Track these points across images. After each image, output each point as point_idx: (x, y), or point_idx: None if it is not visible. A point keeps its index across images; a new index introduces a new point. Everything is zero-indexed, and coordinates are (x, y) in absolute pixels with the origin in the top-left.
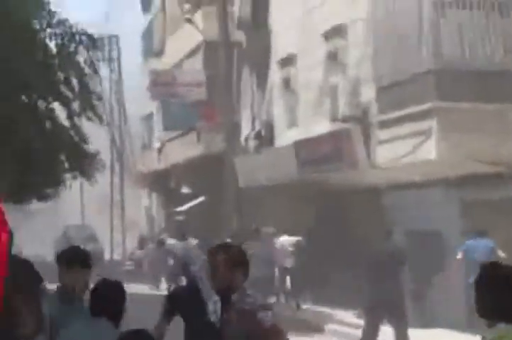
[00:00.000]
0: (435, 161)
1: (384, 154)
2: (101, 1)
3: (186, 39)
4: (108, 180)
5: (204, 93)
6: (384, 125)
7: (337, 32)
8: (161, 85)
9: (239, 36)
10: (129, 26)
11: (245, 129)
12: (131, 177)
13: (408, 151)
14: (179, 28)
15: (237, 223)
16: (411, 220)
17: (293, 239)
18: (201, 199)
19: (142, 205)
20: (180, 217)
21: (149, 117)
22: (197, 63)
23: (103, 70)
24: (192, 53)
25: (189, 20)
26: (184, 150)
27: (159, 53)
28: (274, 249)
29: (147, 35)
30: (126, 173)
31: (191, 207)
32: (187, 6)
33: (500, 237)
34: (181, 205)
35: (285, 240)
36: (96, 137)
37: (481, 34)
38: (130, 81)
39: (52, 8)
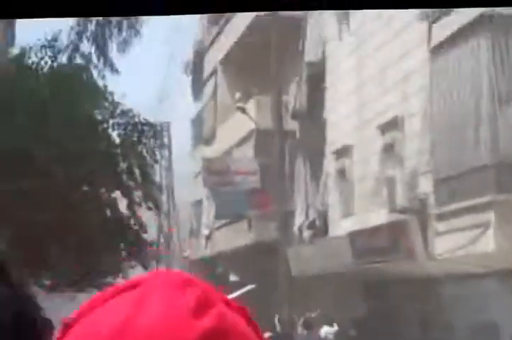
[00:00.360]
0: (493, 252)
1: (441, 246)
2: (154, 88)
3: (237, 127)
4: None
5: (258, 181)
6: (442, 217)
7: (393, 124)
8: (215, 173)
9: (293, 125)
10: (180, 113)
11: (299, 219)
12: (177, 263)
13: (466, 242)
14: (229, 116)
15: (288, 311)
16: (468, 311)
17: (334, 329)
18: (249, 287)
19: None
20: None
21: (198, 203)
22: (248, 151)
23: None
24: (243, 141)
25: (242, 109)
26: (234, 238)
27: (209, 140)
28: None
29: (198, 122)
30: (173, 260)
31: (239, 295)
32: (238, 95)
33: None
34: (230, 292)
35: (327, 330)
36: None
37: None
38: (179, 167)
39: (116, 98)
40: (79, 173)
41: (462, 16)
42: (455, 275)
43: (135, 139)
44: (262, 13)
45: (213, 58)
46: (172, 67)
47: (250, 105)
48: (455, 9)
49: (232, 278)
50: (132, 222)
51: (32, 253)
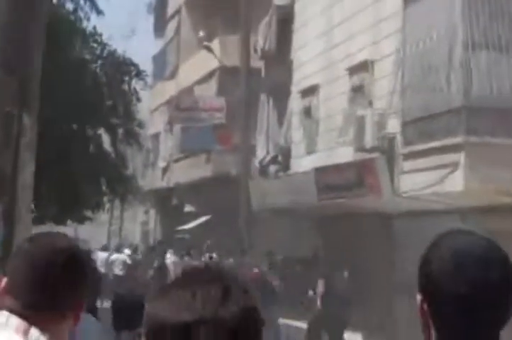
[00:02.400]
0: (461, 192)
1: (407, 184)
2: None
3: (200, 65)
4: None
5: (223, 117)
6: (410, 156)
7: (363, 66)
8: (182, 110)
9: (259, 64)
10: (144, 50)
11: (261, 154)
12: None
13: (433, 182)
14: (192, 54)
15: (247, 244)
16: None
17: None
18: (204, 218)
19: (138, 221)
20: (185, 236)
21: (154, 137)
22: (210, 89)
23: None
24: (206, 79)
25: (207, 47)
26: (192, 170)
27: (171, 77)
28: None
29: (160, 59)
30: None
31: (195, 225)
32: (202, 33)
33: None
34: (184, 223)
35: None
36: None
37: (509, 74)
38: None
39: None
40: (67, 110)
41: None
42: (418, 211)
43: (119, 78)
44: None
45: None
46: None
47: (215, 44)
48: None
49: (187, 208)
50: (113, 157)
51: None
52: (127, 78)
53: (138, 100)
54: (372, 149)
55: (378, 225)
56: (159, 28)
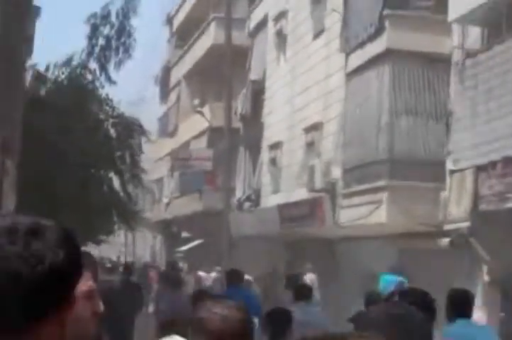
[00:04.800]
0: (384, 223)
1: (345, 217)
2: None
3: (194, 125)
4: None
5: (211, 165)
6: (347, 195)
7: (315, 127)
8: (180, 159)
9: (238, 125)
10: (149, 112)
11: (238, 193)
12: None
13: (364, 215)
14: (188, 117)
15: (226, 262)
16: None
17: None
18: (198, 242)
19: (148, 244)
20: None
21: (159, 180)
22: (202, 143)
23: None
24: (199, 136)
25: (200, 112)
26: (188, 206)
27: (172, 134)
28: None
29: (164, 120)
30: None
31: (190, 247)
32: (196, 101)
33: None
34: (182, 246)
35: None
36: None
37: (422, 134)
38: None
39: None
40: (86, 158)
41: (370, 50)
42: (353, 237)
43: (126, 134)
44: (218, 41)
45: (178, 73)
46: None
47: (206, 109)
48: (366, 45)
49: (184, 234)
50: (122, 195)
51: (48, 215)
52: (133, 134)
53: (141, 151)
54: (320, 190)
55: (324, 247)
56: (164, 96)
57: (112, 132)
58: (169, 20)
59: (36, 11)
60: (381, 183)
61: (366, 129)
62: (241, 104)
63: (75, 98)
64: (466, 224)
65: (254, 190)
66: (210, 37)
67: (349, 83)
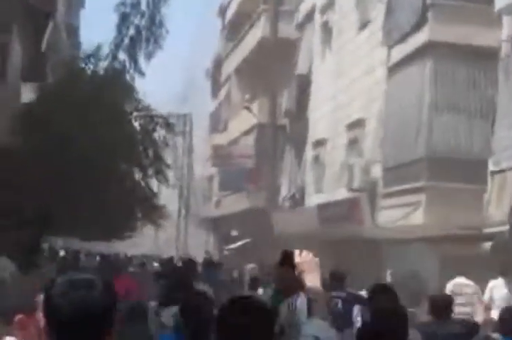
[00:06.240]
0: (421, 225)
1: (383, 218)
2: (180, 85)
3: (243, 121)
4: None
5: (253, 163)
6: (386, 196)
7: (358, 124)
8: (220, 156)
9: (284, 121)
10: (201, 107)
11: (284, 192)
12: (194, 221)
13: (401, 217)
14: (238, 113)
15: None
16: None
17: None
18: (246, 240)
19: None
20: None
21: (211, 177)
22: (250, 140)
23: (179, 141)
24: (247, 132)
25: (248, 108)
26: (235, 204)
27: (222, 131)
28: None
29: (215, 116)
30: (190, 219)
31: (238, 246)
32: (247, 96)
33: None
34: (231, 244)
35: None
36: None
37: (464, 132)
38: (199, 149)
39: (140, 96)
40: (107, 152)
41: (412, 43)
42: (392, 239)
43: (150, 128)
44: (267, 35)
45: (229, 67)
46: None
47: (255, 105)
48: (408, 38)
49: (233, 233)
50: (146, 191)
51: (74, 212)
52: (156, 127)
53: (166, 145)
54: (359, 189)
55: (364, 249)
56: (215, 90)
57: (136, 125)
58: (222, 12)
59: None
60: (419, 183)
61: (407, 127)
62: (286, 100)
63: (99, 89)
64: (506, 227)
65: (299, 188)
66: (259, 30)
67: (390, 77)
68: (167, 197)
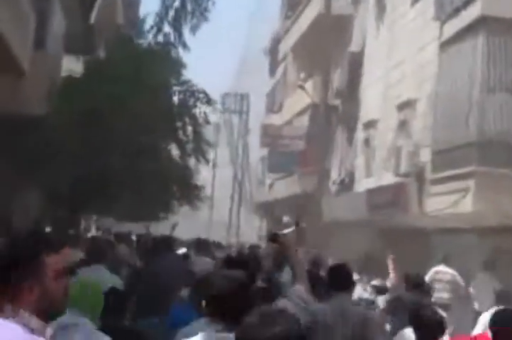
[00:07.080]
0: (470, 213)
1: (431, 205)
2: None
3: (298, 101)
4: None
5: (303, 144)
6: (435, 181)
7: (408, 104)
8: (269, 136)
9: (337, 102)
10: (259, 87)
11: (334, 175)
12: (247, 205)
13: (449, 204)
14: (294, 92)
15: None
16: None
17: None
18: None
19: (255, 226)
20: None
21: (263, 159)
22: (304, 120)
23: (235, 120)
24: (301, 112)
25: (301, 86)
26: (288, 188)
27: (278, 111)
28: None
29: (271, 96)
30: (243, 202)
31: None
32: (302, 75)
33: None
34: (282, 230)
35: None
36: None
37: None
38: (255, 129)
39: (182, 70)
40: (142, 127)
41: (465, 17)
42: (440, 229)
43: (190, 103)
44: (323, 12)
45: (286, 45)
46: (251, 49)
47: (309, 84)
48: (461, 12)
49: (285, 219)
50: (183, 169)
51: (104, 190)
52: (197, 103)
53: (207, 122)
54: (406, 174)
55: (413, 237)
56: (273, 69)
57: (175, 99)
58: None
59: None
60: (468, 168)
61: (458, 108)
62: (338, 78)
63: (138, 62)
64: None
65: (348, 173)
66: (316, 7)
67: (442, 55)
68: (222, 178)
